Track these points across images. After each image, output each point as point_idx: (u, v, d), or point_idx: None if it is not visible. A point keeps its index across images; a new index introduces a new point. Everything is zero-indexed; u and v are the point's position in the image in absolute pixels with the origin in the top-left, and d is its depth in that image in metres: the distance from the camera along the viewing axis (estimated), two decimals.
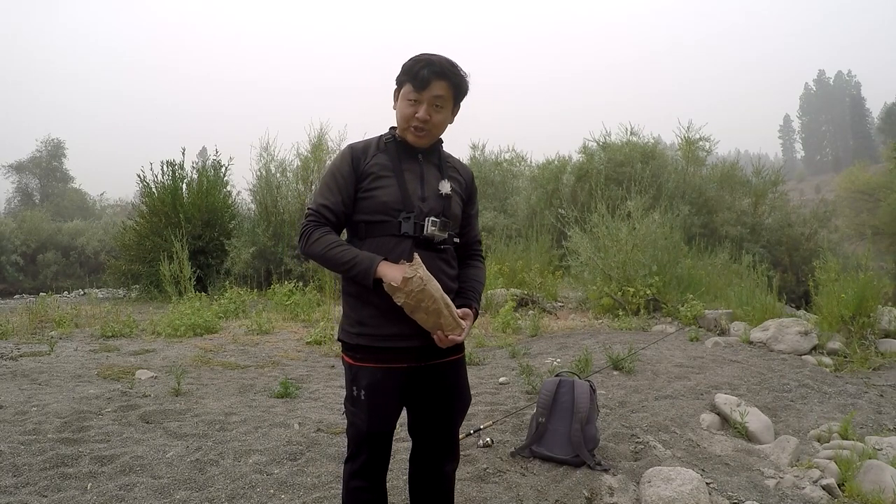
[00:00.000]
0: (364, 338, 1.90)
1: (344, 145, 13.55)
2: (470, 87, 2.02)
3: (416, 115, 1.92)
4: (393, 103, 2.02)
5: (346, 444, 2.04)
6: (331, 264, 1.88)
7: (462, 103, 2.06)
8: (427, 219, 1.91)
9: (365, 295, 1.89)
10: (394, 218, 1.90)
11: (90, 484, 2.82)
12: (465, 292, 2.05)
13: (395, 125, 2.03)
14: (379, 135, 2.07)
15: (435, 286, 1.81)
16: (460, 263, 2.11)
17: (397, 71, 1.98)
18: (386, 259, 1.85)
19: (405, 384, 1.94)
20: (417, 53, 1.97)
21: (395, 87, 2.00)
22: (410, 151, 2.00)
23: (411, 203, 1.91)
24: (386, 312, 1.86)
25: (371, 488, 1.99)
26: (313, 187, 12.69)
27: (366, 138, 2.10)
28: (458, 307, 1.93)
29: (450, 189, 2.00)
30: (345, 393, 2.02)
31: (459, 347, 2.01)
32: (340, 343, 2.00)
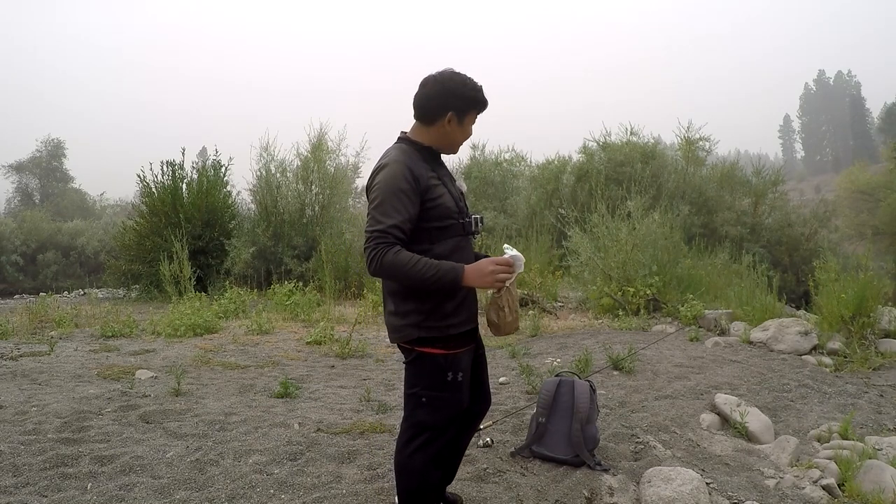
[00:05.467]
0: (454, 327, 2.12)
1: (344, 146, 13.39)
2: None
3: (468, 136, 2.22)
4: (443, 127, 2.16)
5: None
6: (414, 281, 1.98)
7: None
8: (472, 217, 2.23)
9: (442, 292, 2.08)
10: (456, 220, 2.16)
11: (90, 484, 2.82)
12: (477, 254, 2.37)
13: (406, 131, 2.24)
14: (411, 145, 2.19)
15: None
16: None
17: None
18: (461, 264, 2.04)
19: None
20: (460, 79, 2.16)
21: (451, 113, 2.14)
22: (438, 159, 2.25)
23: (462, 206, 2.22)
24: (460, 302, 2.13)
25: (442, 464, 2.27)
26: (313, 188, 12.68)
27: (399, 152, 2.15)
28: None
29: (464, 185, 2.33)
30: (424, 389, 2.14)
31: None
32: (417, 340, 2.11)
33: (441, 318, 2.08)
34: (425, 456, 2.13)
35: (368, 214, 2.06)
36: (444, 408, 2.13)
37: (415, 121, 2.22)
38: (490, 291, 2.30)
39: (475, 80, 2.18)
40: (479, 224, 2.25)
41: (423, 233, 2.08)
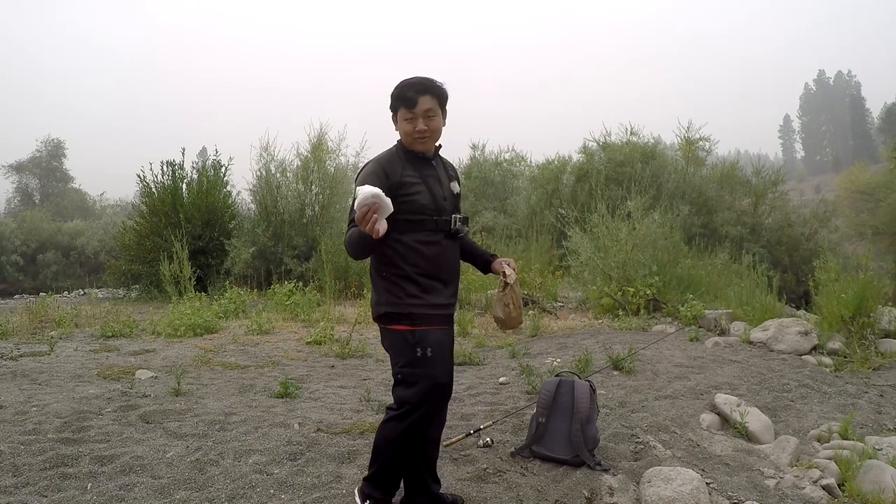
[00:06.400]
0: (416, 307, 2.33)
1: (344, 146, 13.40)
2: (449, 92, 2.46)
3: (416, 128, 2.38)
4: (394, 126, 2.46)
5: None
6: (352, 245, 2.27)
7: (448, 107, 2.51)
8: (453, 216, 2.44)
9: (408, 272, 2.34)
10: (429, 217, 2.38)
11: (90, 484, 2.82)
12: (483, 252, 2.69)
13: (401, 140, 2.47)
14: (395, 148, 2.48)
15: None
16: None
17: (400, 72, 2.18)
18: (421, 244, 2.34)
19: (453, 342, 2.45)
20: (399, 81, 2.41)
21: (391, 113, 2.44)
22: (425, 160, 2.46)
23: (441, 205, 2.41)
24: (424, 289, 2.35)
25: (418, 441, 2.37)
26: (313, 188, 12.68)
27: (384, 152, 2.48)
28: (489, 259, 2.63)
29: (459, 188, 2.54)
30: (399, 366, 2.35)
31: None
32: (385, 316, 2.37)
33: (404, 297, 2.34)
34: (398, 427, 2.34)
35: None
36: (415, 382, 2.31)
37: None
38: (496, 290, 2.59)
39: (407, 80, 2.41)
40: (457, 223, 2.44)
41: (394, 223, 2.24)
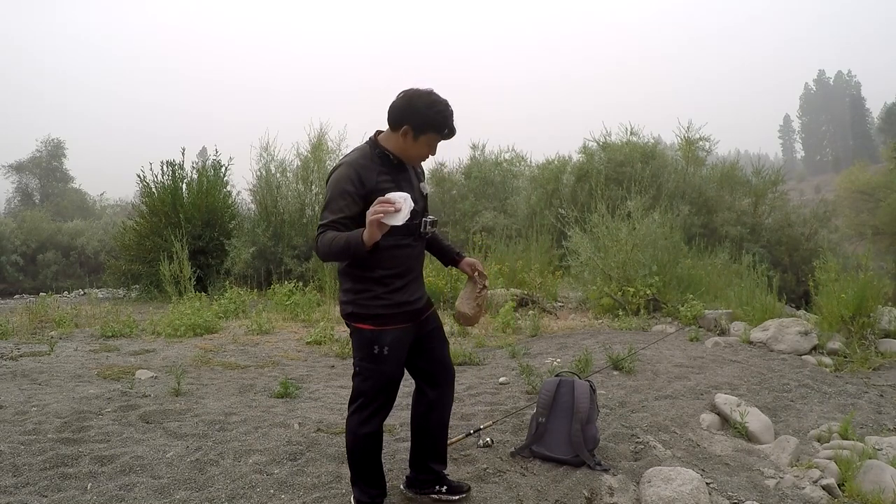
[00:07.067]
0: (381, 308, 2.38)
1: (344, 146, 13.43)
2: (448, 92, 2.44)
3: (431, 155, 2.44)
4: (400, 138, 2.35)
5: (346, 442, 2.10)
6: (337, 253, 2.25)
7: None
8: (423, 219, 2.46)
9: (377, 274, 2.36)
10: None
11: (90, 484, 2.82)
12: (450, 248, 2.75)
13: (381, 131, 2.43)
14: (370, 149, 2.40)
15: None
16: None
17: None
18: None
19: (412, 336, 2.50)
20: (430, 100, 2.33)
21: (407, 126, 2.32)
22: (400, 164, 2.42)
23: (416, 208, 2.31)
24: (391, 289, 2.39)
25: (378, 433, 2.50)
26: (313, 188, 12.68)
27: (357, 153, 2.42)
28: (456, 258, 2.73)
29: (428, 189, 2.58)
30: (358, 360, 2.44)
31: (428, 306, 2.61)
32: (351, 315, 2.43)
33: (370, 299, 2.38)
34: (359, 418, 2.46)
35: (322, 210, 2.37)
36: (371, 377, 2.42)
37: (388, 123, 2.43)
38: (468, 288, 2.70)
39: (448, 107, 2.35)
40: (428, 226, 2.47)
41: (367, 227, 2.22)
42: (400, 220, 2.14)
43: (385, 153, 2.38)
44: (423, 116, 2.32)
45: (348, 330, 2.54)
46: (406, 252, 2.42)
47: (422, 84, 2.39)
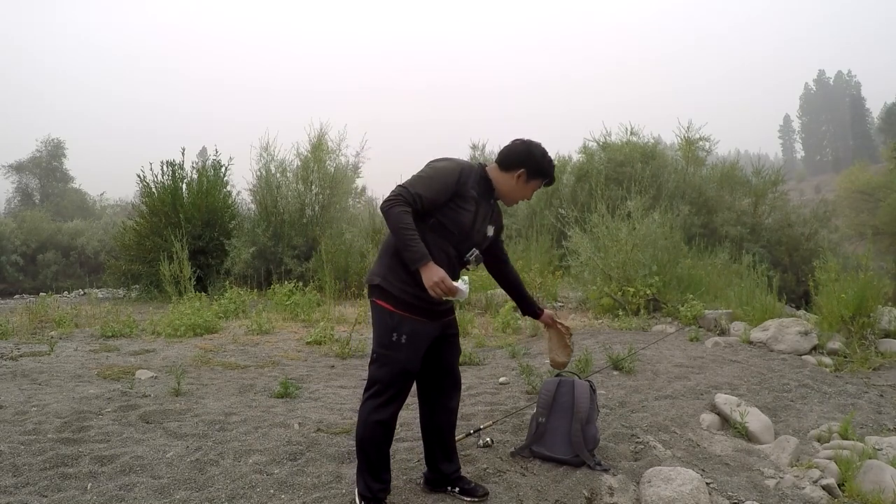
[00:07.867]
0: (407, 294, 2.46)
1: (344, 146, 13.40)
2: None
3: (527, 200, 2.65)
4: (512, 179, 2.62)
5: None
6: (396, 235, 2.36)
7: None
8: (473, 250, 2.62)
9: (414, 269, 2.40)
10: (455, 235, 2.53)
11: (90, 484, 2.82)
12: (531, 299, 3.00)
13: (484, 163, 2.68)
14: (479, 169, 2.63)
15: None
16: (498, 265, 2.92)
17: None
18: (433, 262, 2.36)
19: (433, 334, 2.57)
20: (543, 151, 2.66)
21: (524, 170, 2.60)
22: (491, 193, 2.64)
23: (472, 234, 2.58)
24: (422, 285, 2.40)
25: (388, 424, 2.52)
26: (313, 187, 12.67)
27: (468, 163, 2.63)
28: (538, 312, 3.02)
29: (492, 233, 2.72)
30: (377, 346, 2.51)
31: (451, 310, 2.70)
32: (376, 288, 2.51)
33: (399, 282, 2.47)
34: (372, 405, 2.50)
35: (412, 176, 2.48)
36: (387, 364, 2.48)
37: (495, 163, 2.68)
38: (557, 337, 3.07)
39: (553, 162, 2.70)
40: (471, 256, 2.61)
41: (429, 217, 2.46)
42: (454, 297, 2.41)
43: (488, 180, 2.62)
44: (538, 164, 2.62)
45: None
46: (444, 261, 2.51)
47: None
